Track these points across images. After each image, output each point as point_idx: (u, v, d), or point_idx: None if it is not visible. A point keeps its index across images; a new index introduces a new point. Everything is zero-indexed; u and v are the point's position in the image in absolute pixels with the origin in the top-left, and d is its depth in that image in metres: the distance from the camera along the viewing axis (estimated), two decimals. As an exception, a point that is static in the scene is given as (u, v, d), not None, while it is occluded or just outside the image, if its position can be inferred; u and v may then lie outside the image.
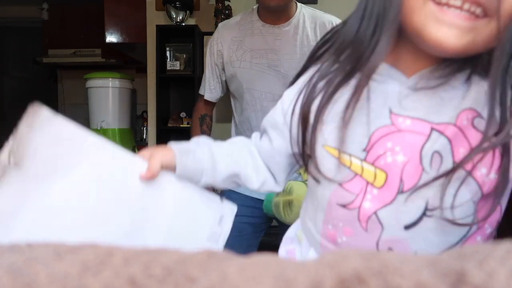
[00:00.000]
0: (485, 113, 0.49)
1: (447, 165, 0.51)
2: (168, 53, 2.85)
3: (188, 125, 2.84)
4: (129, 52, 3.44)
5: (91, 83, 2.96)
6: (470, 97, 0.52)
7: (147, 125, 3.07)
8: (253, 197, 1.55)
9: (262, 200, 1.53)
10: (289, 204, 1.39)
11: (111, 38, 3.21)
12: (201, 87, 1.73)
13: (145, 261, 0.23)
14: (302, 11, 1.58)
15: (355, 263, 0.21)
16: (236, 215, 1.44)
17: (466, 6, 0.45)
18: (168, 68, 2.82)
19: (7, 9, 3.90)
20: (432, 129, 0.52)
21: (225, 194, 1.58)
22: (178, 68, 2.83)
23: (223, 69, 1.64)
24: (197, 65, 2.78)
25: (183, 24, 2.81)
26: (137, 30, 3.00)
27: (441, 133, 0.52)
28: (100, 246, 0.25)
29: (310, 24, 1.56)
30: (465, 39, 0.46)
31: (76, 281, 0.21)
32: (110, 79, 2.95)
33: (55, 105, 4.25)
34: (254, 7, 1.63)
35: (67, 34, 3.62)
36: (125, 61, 3.59)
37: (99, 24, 3.23)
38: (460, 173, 0.50)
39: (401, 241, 0.54)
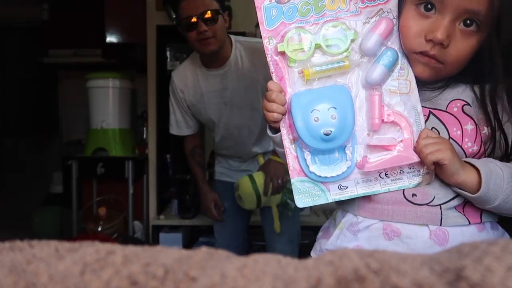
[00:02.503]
0: (470, 101, 0.76)
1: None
2: (168, 53, 2.85)
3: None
4: (129, 52, 3.44)
5: (91, 83, 2.96)
6: (453, 93, 0.77)
7: (147, 125, 3.07)
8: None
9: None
10: (239, 197, 1.77)
11: (111, 38, 3.21)
12: (172, 129, 1.94)
13: (145, 260, 0.23)
14: (237, 46, 1.72)
15: (354, 261, 0.21)
16: (225, 199, 1.82)
17: (430, 55, 0.72)
18: (168, 68, 2.82)
19: (7, 9, 3.90)
20: (430, 112, 0.77)
21: (215, 182, 2.01)
22: (178, 68, 2.82)
23: (190, 111, 1.85)
24: (197, 65, 2.78)
25: (183, 24, 2.80)
26: (137, 30, 2.99)
27: (435, 115, 0.77)
28: (100, 245, 0.25)
29: (246, 56, 1.71)
30: (432, 74, 0.75)
31: (77, 280, 0.21)
32: (110, 79, 2.95)
33: (55, 105, 4.24)
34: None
35: (67, 34, 3.62)
36: (125, 61, 3.59)
37: (99, 24, 3.22)
38: (454, 145, 0.74)
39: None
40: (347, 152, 0.76)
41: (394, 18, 0.76)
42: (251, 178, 1.75)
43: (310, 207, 2.74)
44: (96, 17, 3.30)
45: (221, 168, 1.99)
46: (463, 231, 0.75)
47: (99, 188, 3.06)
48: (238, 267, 0.22)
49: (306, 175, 0.76)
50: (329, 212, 2.55)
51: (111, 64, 3.54)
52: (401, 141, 0.75)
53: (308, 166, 0.76)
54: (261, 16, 0.76)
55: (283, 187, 1.77)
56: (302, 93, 0.76)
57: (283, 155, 0.81)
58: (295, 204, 1.78)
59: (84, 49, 3.59)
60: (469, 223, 0.75)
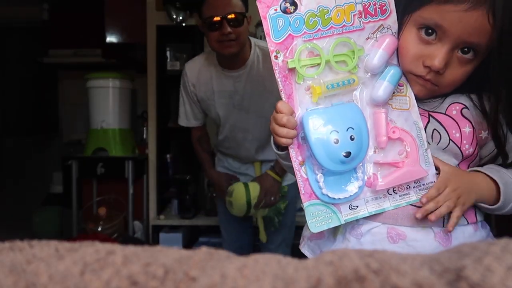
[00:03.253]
0: (468, 105, 0.79)
1: (444, 140, 0.78)
2: (168, 53, 2.85)
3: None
4: (129, 52, 3.44)
5: (91, 83, 2.96)
6: (452, 96, 0.80)
7: (147, 125, 3.07)
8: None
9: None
10: (230, 203, 1.75)
11: (111, 38, 3.21)
12: (181, 120, 1.91)
13: (145, 260, 0.23)
14: (256, 51, 1.68)
15: (354, 261, 0.21)
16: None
17: (426, 79, 0.75)
18: (168, 68, 2.82)
19: (7, 9, 3.90)
20: (430, 115, 0.79)
21: None
22: (178, 68, 2.82)
23: (200, 105, 1.82)
24: (197, 65, 2.78)
25: (183, 24, 2.81)
26: (137, 30, 2.99)
27: (435, 118, 0.79)
28: (100, 245, 0.25)
29: (263, 63, 1.67)
30: (427, 93, 0.77)
31: (77, 280, 0.21)
32: (110, 79, 2.95)
33: (55, 105, 4.24)
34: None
35: (67, 34, 3.61)
36: (125, 61, 3.59)
37: (99, 24, 3.22)
38: (453, 147, 0.78)
39: None
40: (358, 171, 0.75)
41: (393, 34, 0.76)
42: (246, 187, 1.74)
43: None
44: (96, 17, 3.30)
45: (220, 168, 1.98)
46: (463, 231, 0.77)
47: (99, 188, 3.06)
48: (238, 267, 0.22)
49: (318, 198, 0.74)
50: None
51: (111, 64, 3.54)
52: (406, 156, 0.75)
53: (320, 189, 0.74)
54: (267, 27, 0.73)
55: (273, 204, 1.78)
56: (315, 112, 0.73)
57: (290, 168, 0.79)
58: (279, 219, 1.80)
59: (84, 49, 3.59)
60: (468, 223, 0.77)
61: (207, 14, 1.56)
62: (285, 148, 0.77)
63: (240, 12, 1.56)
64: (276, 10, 0.73)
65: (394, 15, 0.76)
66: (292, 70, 0.73)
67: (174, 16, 2.78)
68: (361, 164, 0.74)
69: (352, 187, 0.74)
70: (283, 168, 1.79)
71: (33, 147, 4.28)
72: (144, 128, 3.30)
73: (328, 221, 0.75)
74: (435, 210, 0.73)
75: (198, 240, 2.78)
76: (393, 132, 0.75)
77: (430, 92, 0.77)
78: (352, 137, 0.71)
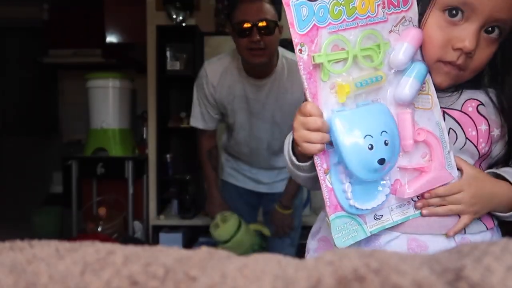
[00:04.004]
0: (484, 101, 0.74)
1: (461, 139, 0.73)
2: (168, 53, 2.85)
3: (188, 125, 2.83)
4: (129, 52, 3.44)
5: (91, 83, 2.96)
6: (469, 92, 0.75)
7: (147, 125, 3.07)
8: (245, 188, 1.90)
9: (250, 191, 1.90)
10: (215, 228, 1.75)
11: (111, 38, 3.21)
12: (195, 121, 1.80)
13: (145, 260, 0.23)
14: (283, 61, 1.62)
15: (354, 261, 0.21)
16: (230, 201, 1.81)
17: (456, 64, 0.69)
18: (168, 68, 2.82)
19: (7, 9, 3.90)
20: (444, 112, 0.74)
21: (221, 181, 1.96)
22: (178, 68, 2.83)
23: (217, 108, 1.74)
24: (197, 65, 2.78)
25: (183, 24, 2.81)
26: (137, 30, 2.99)
27: (451, 116, 0.74)
28: (100, 245, 0.25)
29: (287, 75, 1.61)
30: (450, 82, 0.72)
31: (77, 280, 0.21)
32: (110, 79, 2.95)
33: (55, 105, 4.24)
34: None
35: (67, 34, 3.62)
36: (125, 61, 3.59)
37: (99, 24, 3.23)
38: (470, 146, 0.74)
39: None
40: (385, 178, 0.68)
41: (414, 26, 0.70)
42: (243, 228, 1.72)
43: (310, 206, 2.74)
44: (96, 17, 3.30)
45: (229, 169, 1.93)
46: (482, 237, 0.74)
47: (99, 188, 3.07)
48: (238, 267, 0.22)
49: (344, 209, 0.67)
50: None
51: (111, 64, 3.55)
52: (431, 159, 0.70)
53: (348, 200, 0.66)
54: (291, 15, 0.64)
55: (288, 233, 1.81)
56: (344, 114, 0.65)
57: (308, 180, 0.75)
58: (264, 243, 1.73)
59: (84, 49, 3.60)
60: (487, 229, 0.75)
61: (237, 19, 1.50)
62: (307, 158, 0.71)
63: (272, 20, 1.49)
64: None
65: (415, 6, 0.70)
66: (317, 66, 0.65)
67: (174, 16, 2.78)
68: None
69: (380, 196, 0.68)
70: (290, 199, 1.78)
71: (33, 147, 4.28)
72: (144, 128, 3.30)
73: (353, 234, 0.68)
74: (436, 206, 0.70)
75: (198, 240, 2.78)
76: (418, 134, 0.69)
77: (453, 80, 0.72)
78: (387, 141, 0.64)
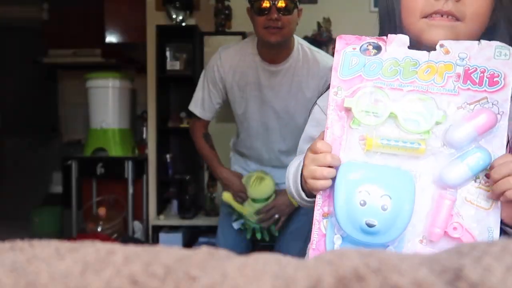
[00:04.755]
0: None
1: None
2: (168, 53, 2.85)
3: (188, 125, 2.84)
4: (129, 52, 3.44)
5: (91, 83, 2.96)
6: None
7: (147, 125, 3.07)
8: None
9: None
10: (260, 179, 1.65)
11: (111, 38, 3.21)
12: (193, 106, 1.75)
13: (145, 259, 0.23)
14: (299, 48, 1.60)
15: (354, 260, 0.21)
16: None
17: (444, 16, 0.66)
18: (168, 68, 2.82)
19: (7, 9, 3.90)
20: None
21: None
22: (178, 68, 2.83)
23: (226, 94, 1.69)
24: (197, 65, 2.78)
25: (183, 24, 2.81)
26: (137, 30, 2.99)
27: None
28: (101, 245, 0.26)
29: (303, 63, 1.59)
30: (450, 36, 0.64)
31: (78, 280, 0.22)
32: (110, 79, 2.95)
33: (55, 105, 4.24)
34: (254, 36, 1.64)
35: (67, 34, 3.62)
36: (125, 61, 3.59)
37: (99, 24, 3.23)
38: None
39: None
40: None
41: (498, 113, 0.60)
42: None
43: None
44: (95, 17, 3.30)
45: (237, 167, 1.84)
46: None
47: (99, 188, 3.07)
48: (239, 267, 0.22)
49: None
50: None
51: (111, 64, 3.55)
52: None
53: None
54: (337, 61, 0.64)
55: (273, 222, 1.69)
56: (354, 164, 0.62)
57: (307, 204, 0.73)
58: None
59: (84, 49, 3.59)
60: None
61: None
62: (314, 196, 0.68)
63: (292, 1, 1.49)
64: (354, 49, 0.64)
65: (507, 91, 0.60)
66: (348, 112, 0.63)
67: (174, 16, 2.78)
68: (393, 247, 0.60)
69: None
70: None
71: (33, 147, 4.28)
72: (144, 128, 3.31)
73: None
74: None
75: (198, 240, 2.78)
76: (454, 228, 0.59)
77: (453, 34, 0.65)
78: (385, 207, 0.58)
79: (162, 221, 2.77)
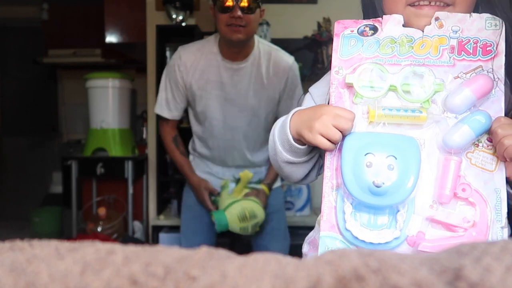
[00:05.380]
0: None
1: None
2: (168, 53, 2.85)
3: (188, 125, 2.84)
4: (129, 52, 3.44)
5: (91, 83, 2.96)
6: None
7: (147, 125, 3.07)
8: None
9: None
10: (256, 224, 1.61)
11: (111, 38, 3.21)
12: (159, 108, 1.75)
13: (145, 259, 0.23)
14: (259, 46, 1.63)
15: (353, 260, 0.21)
16: (200, 204, 1.72)
17: (433, 2, 0.66)
18: (168, 68, 2.82)
19: (7, 9, 3.90)
20: None
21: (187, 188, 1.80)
22: (178, 68, 2.82)
23: (186, 95, 1.69)
24: (197, 65, 2.78)
25: (183, 24, 2.81)
26: (137, 30, 2.99)
27: None
28: (101, 245, 0.26)
29: (264, 61, 1.62)
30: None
31: (78, 280, 0.22)
32: (110, 79, 2.95)
33: (55, 105, 4.25)
34: (216, 35, 1.66)
35: (67, 34, 3.62)
36: (125, 61, 3.59)
37: (99, 24, 3.23)
38: None
39: None
40: (399, 218, 0.61)
41: (495, 80, 0.63)
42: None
43: (311, 206, 2.73)
44: (96, 17, 3.30)
45: (200, 172, 1.77)
46: None
47: (99, 188, 3.07)
48: (238, 267, 0.22)
49: (341, 233, 0.63)
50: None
51: (111, 64, 3.55)
52: (473, 225, 0.60)
53: (345, 222, 0.62)
54: (337, 44, 0.68)
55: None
56: (359, 134, 0.64)
57: (296, 166, 0.73)
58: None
59: (84, 49, 3.60)
60: None
61: None
62: (304, 154, 0.72)
63: (254, 0, 1.52)
64: (352, 31, 0.68)
65: (500, 58, 0.63)
66: (351, 88, 0.66)
67: (174, 16, 2.78)
68: (404, 211, 0.61)
69: (385, 233, 0.60)
70: (274, 179, 1.68)
71: (33, 147, 4.28)
72: (144, 128, 3.30)
73: None
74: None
75: (198, 240, 2.78)
76: (463, 190, 0.60)
77: None
78: (391, 166, 0.59)
79: (162, 221, 2.77)
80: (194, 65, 1.64)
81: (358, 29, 0.68)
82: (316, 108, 0.69)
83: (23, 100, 4.29)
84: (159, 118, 1.82)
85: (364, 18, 0.76)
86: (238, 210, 1.59)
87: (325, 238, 0.64)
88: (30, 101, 4.26)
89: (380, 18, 0.68)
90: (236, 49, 1.59)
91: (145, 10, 2.86)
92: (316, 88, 0.82)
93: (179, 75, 1.66)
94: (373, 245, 0.61)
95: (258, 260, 0.23)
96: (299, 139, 0.70)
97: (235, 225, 1.60)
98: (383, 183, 0.59)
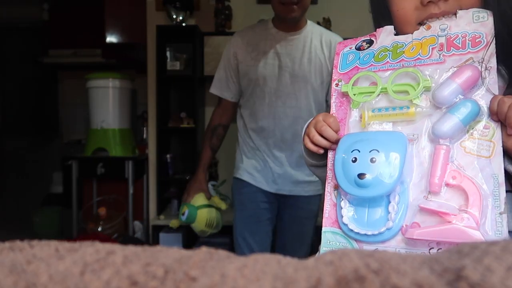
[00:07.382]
0: None
1: None
2: (168, 53, 2.85)
3: (188, 125, 2.84)
4: (129, 52, 3.45)
5: (91, 83, 2.96)
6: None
7: (147, 125, 3.07)
8: (264, 190, 1.72)
9: (271, 193, 1.73)
10: (211, 233, 1.77)
11: (111, 38, 3.21)
12: (212, 86, 1.79)
13: (145, 260, 0.23)
14: (312, 25, 1.73)
15: (354, 261, 0.21)
16: (254, 202, 1.74)
17: (440, 16, 0.69)
18: (168, 68, 2.82)
19: (7, 9, 3.90)
20: None
21: (244, 184, 1.76)
22: (178, 68, 2.83)
23: (237, 69, 1.74)
24: (197, 65, 2.78)
25: (183, 24, 2.81)
26: (137, 30, 3.00)
27: None
28: (100, 245, 0.25)
29: (316, 37, 1.71)
30: None
31: (77, 280, 0.21)
32: (110, 79, 2.95)
33: (55, 105, 4.25)
34: (268, 18, 1.76)
35: (67, 34, 3.62)
36: (125, 61, 3.59)
37: (99, 24, 3.23)
38: None
39: None
40: (390, 210, 0.63)
41: (486, 69, 0.63)
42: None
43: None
44: (96, 17, 3.30)
45: (246, 147, 1.76)
46: None
47: (99, 188, 3.07)
48: (238, 267, 0.22)
49: (341, 228, 0.67)
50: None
51: (111, 64, 3.55)
52: (466, 212, 0.59)
53: (342, 216, 0.66)
54: (337, 61, 0.76)
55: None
56: (351, 134, 0.70)
57: (320, 169, 0.81)
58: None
59: (84, 49, 3.60)
60: None
61: None
62: (323, 158, 0.78)
63: None
64: (351, 48, 0.76)
65: (491, 47, 0.64)
66: (349, 97, 0.73)
67: (174, 16, 2.78)
68: (395, 202, 0.63)
69: (378, 226, 0.63)
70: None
71: (33, 147, 4.28)
72: (144, 128, 3.31)
73: None
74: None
75: (198, 240, 2.78)
76: (453, 177, 0.61)
77: None
78: (374, 159, 0.63)
79: (162, 221, 2.77)
80: (248, 39, 1.72)
81: (356, 45, 0.76)
82: (315, 117, 0.77)
83: (24, 100, 4.29)
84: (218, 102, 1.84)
85: (374, 24, 0.83)
86: (210, 215, 1.72)
87: (327, 234, 0.69)
88: (31, 101, 4.26)
89: (375, 32, 0.75)
90: (290, 24, 1.67)
91: (145, 10, 2.86)
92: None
93: (232, 52, 1.73)
94: (367, 237, 0.64)
95: (258, 260, 0.23)
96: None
97: (199, 226, 1.72)
98: (365, 175, 0.63)
